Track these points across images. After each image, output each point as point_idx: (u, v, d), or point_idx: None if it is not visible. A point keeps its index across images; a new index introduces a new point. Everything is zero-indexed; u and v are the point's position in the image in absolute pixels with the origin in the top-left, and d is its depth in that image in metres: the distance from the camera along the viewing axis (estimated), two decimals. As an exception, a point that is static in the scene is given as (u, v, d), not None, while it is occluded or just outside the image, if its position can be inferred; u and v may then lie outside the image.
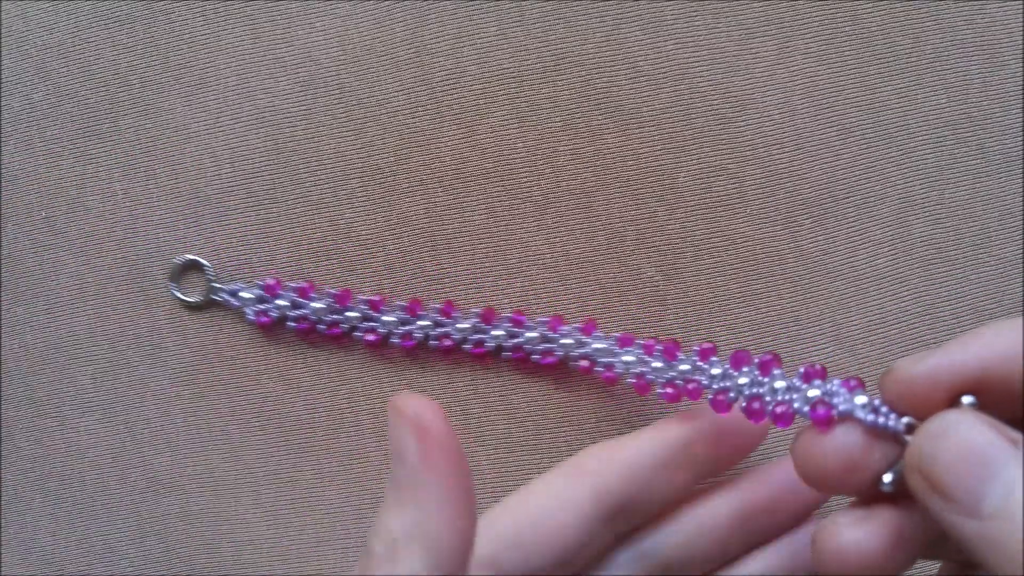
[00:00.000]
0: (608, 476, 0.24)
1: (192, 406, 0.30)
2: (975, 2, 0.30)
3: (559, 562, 0.23)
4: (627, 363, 0.27)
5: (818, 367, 0.23)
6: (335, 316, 0.29)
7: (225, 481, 0.30)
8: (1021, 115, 0.30)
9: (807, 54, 0.30)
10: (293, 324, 0.29)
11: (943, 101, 0.30)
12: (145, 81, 0.30)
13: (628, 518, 0.24)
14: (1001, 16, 0.30)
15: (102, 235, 0.30)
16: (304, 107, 0.30)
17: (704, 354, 0.25)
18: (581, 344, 0.28)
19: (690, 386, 0.25)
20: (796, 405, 0.23)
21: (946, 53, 0.30)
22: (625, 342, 0.27)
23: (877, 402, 0.20)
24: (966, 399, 0.19)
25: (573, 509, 0.23)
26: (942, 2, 0.30)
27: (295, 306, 0.29)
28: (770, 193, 0.30)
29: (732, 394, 0.24)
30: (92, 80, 0.30)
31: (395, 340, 0.29)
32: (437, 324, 0.29)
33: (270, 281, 0.29)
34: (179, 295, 0.30)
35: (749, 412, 0.24)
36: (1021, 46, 0.30)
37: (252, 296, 0.29)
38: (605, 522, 0.24)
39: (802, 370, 0.23)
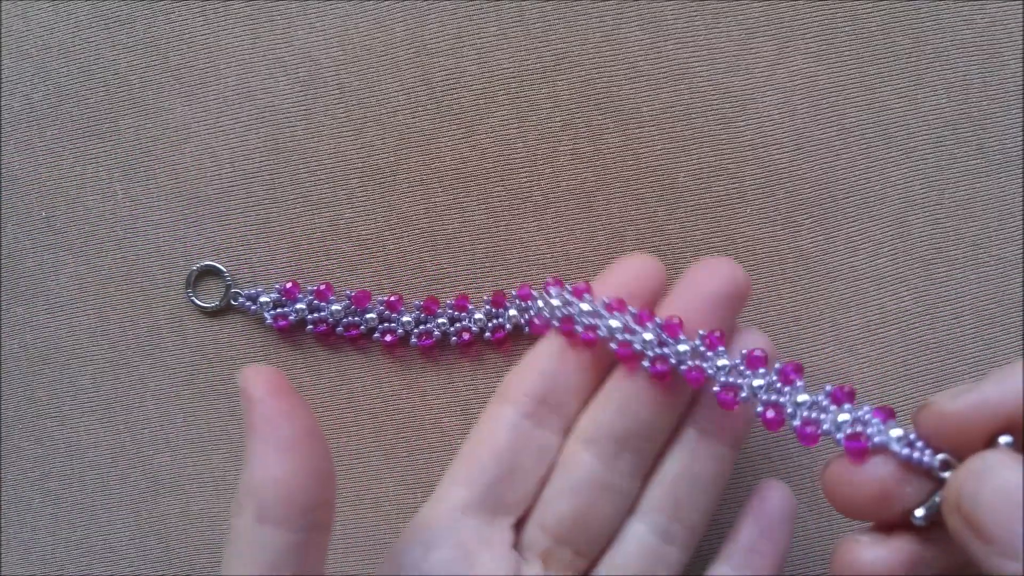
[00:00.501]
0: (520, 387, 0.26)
1: (192, 406, 0.30)
2: (975, 2, 0.30)
3: (507, 469, 0.25)
4: (612, 328, 0.25)
5: (847, 388, 0.22)
6: (353, 318, 0.29)
7: (225, 481, 0.30)
8: (1021, 115, 0.30)
9: (807, 54, 0.30)
10: (312, 327, 0.29)
11: (943, 101, 0.30)
12: (145, 81, 0.30)
13: (552, 410, 0.26)
14: (1001, 16, 0.30)
15: (102, 235, 0.30)
16: (304, 107, 0.30)
17: (712, 342, 0.24)
18: (569, 304, 0.26)
19: (692, 372, 0.24)
20: (825, 427, 0.22)
21: (946, 53, 0.30)
22: (615, 307, 0.25)
23: (912, 436, 0.20)
24: (1003, 439, 0.19)
25: (502, 420, 0.26)
26: (942, 2, 0.30)
27: (312, 309, 0.29)
28: (770, 193, 0.30)
29: (744, 393, 0.24)
30: (92, 80, 0.30)
31: (413, 340, 0.29)
32: (452, 320, 0.29)
33: (288, 284, 0.29)
34: (196, 301, 0.30)
35: (766, 420, 0.23)
36: (1021, 46, 0.30)
37: (270, 300, 0.29)
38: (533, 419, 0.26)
39: (829, 388, 0.23)
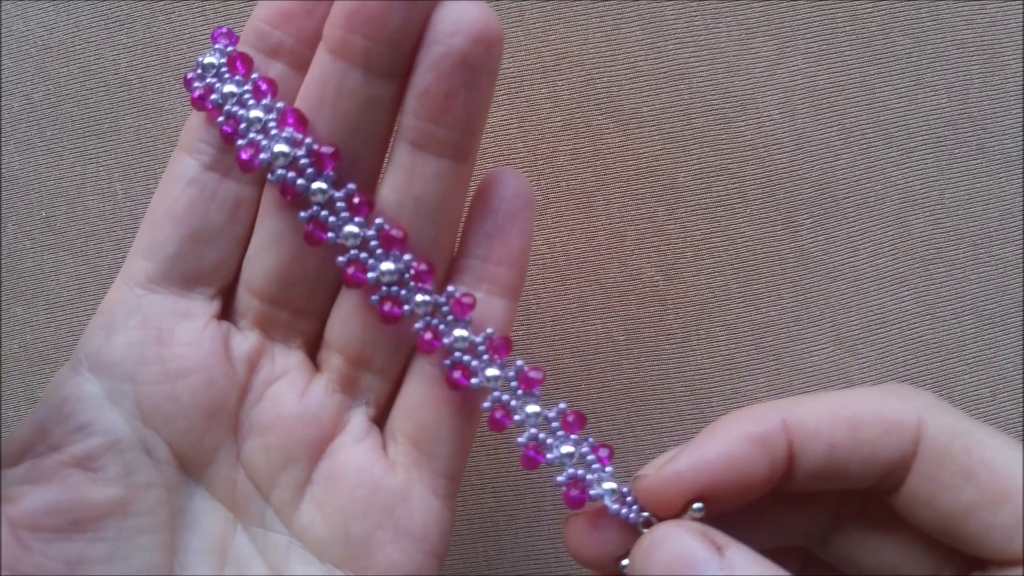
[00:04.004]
0: None
1: (192, 406, 0.30)
2: (975, 2, 0.30)
3: (193, 231, 0.22)
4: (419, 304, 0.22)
5: (571, 416, 0.22)
6: None
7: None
8: (1021, 115, 0.30)
9: (807, 54, 0.30)
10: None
11: (943, 101, 0.30)
12: (145, 81, 0.30)
13: None
14: (1001, 16, 0.30)
15: (102, 235, 0.30)
16: (304, 107, 0.30)
17: (497, 349, 0.22)
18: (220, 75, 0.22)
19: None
20: (550, 456, 0.22)
21: (946, 53, 0.30)
22: (266, 91, 0.21)
23: (625, 490, 0.22)
24: (695, 506, 0.21)
25: (180, 176, 0.22)
26: (942, 2, 0.30)
27: None
28: (770, 193, 0.30)
29: (476, 379, 0.22)
30: (92, 80, 0.30)
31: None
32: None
33: None
34: None
35: (492, 421, 0.22)
36: (1021, 46, 0.30)
37: None
38: None
39: (563, 407, 0.22)
